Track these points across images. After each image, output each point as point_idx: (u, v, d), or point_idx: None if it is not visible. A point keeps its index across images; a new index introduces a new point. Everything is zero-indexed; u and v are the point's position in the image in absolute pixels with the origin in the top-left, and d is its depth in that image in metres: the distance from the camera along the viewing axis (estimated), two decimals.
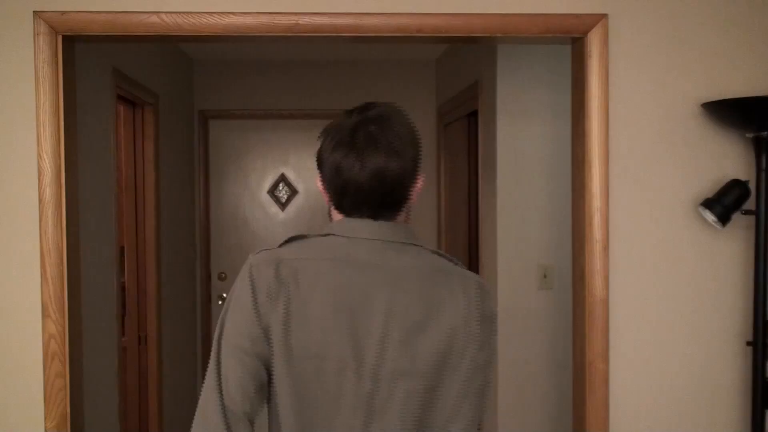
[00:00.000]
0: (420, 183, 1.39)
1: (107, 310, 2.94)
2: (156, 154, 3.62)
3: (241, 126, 4.81)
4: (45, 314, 2.05)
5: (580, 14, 2.11)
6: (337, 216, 1.39)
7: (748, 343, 2.16)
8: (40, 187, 2.04)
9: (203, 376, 4.66)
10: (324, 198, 1.40)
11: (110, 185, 2.98)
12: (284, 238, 1.37)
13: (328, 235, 1.36)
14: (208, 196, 4.78)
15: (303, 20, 2.06)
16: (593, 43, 2.11)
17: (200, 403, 1.28)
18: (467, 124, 3.97)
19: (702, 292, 2.20)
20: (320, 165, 1.37)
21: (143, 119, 3.58)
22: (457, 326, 1.31)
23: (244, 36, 2.08)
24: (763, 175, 2.09)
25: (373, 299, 1.30)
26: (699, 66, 2.17)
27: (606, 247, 2.14)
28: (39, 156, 2.03)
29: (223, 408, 1.26)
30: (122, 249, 3.46)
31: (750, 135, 2.11)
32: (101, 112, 2.86)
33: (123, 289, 3.44)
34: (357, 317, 1.29)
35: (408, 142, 1.34)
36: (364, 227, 1.34)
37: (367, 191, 1.32)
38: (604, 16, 2.11)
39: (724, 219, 2.10)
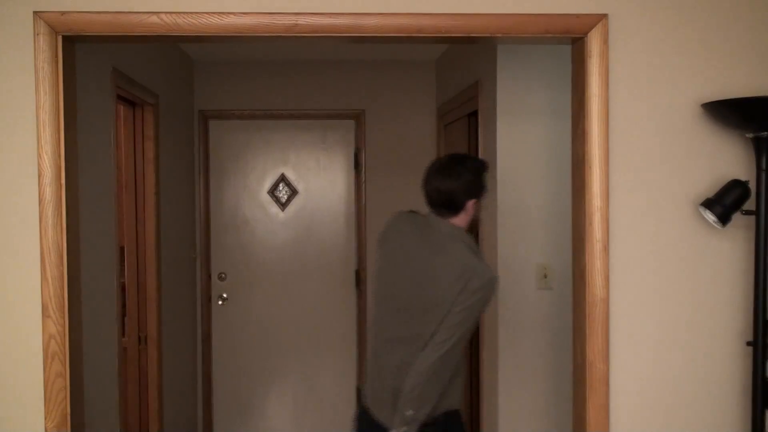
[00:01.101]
0: (472, 202, 2.42)
1: (107, 310, 2.94)
2: (156, 154, 3.62)
3: (241, 126, 4.81)
4: (45, 314, 2.05)
5: (580, 14, 2.11)
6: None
7: (748, 343, 2.16)
8: (40, 187, 2.04)
9: (203, 376, 4.70)
10: None
11: (110, 185, 2.98)
12: (409, 209, 2.58)
13: (425, 216, 2.50)
14: (208, 196, 4.78)
15: (303, 20, 2.06)
16: (593, 43, 2.11)
17: None
18: (467, 124, 3.96)
19: (702, 292, 2.20)
20: None
21: (143, 119, 3.58)
22: (448, 290, 2.32)
23: (244, 36, 2.09)
24: (763, 175, 2.09)
25: (420, 259, 2.42)
26: (699, 66, 2.17)
27: (606, 247, 2.14)
28: (39, 156, 2.03)
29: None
30: (122, 249, 3.46)
31: (750, 135, 2.11)
32: (101, 111, 2.86)
33: (123, 289, 3.44)
34: (408, 265, 2.44)
35: (461, 177, 2.40)
36: (433, 218, 2.47)
37: (433, 198, 2.45)
38: (604, 16, 2.11)
39: (724, 219, 2.10)
